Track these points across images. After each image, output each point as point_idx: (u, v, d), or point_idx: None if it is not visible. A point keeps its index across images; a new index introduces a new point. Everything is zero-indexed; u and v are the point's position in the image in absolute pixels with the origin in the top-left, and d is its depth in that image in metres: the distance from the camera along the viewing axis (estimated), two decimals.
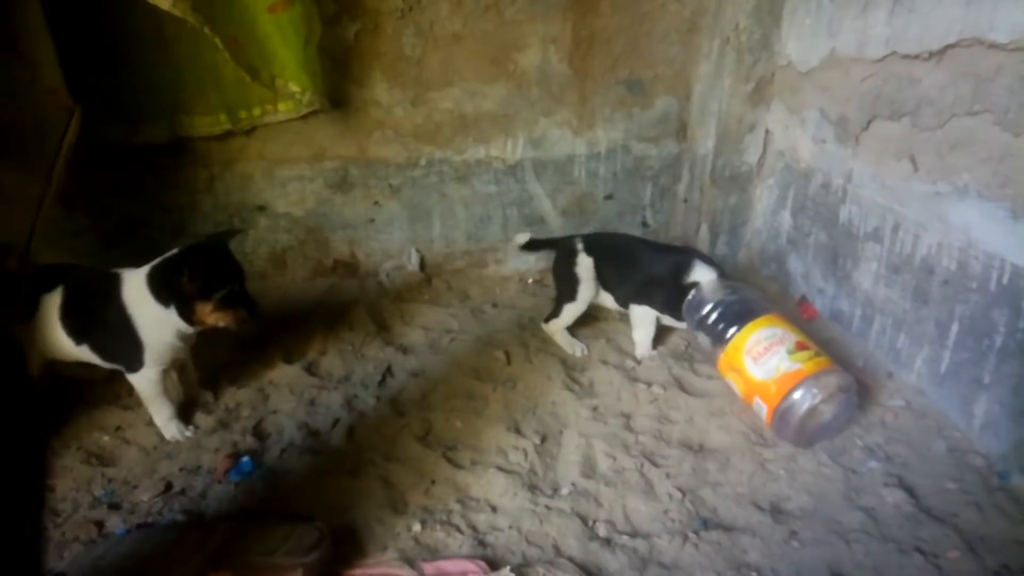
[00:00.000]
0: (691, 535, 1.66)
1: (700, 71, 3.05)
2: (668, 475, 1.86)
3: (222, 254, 1.99)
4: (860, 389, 2.05)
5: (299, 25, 2.44)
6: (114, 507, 1.84)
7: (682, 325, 2.44)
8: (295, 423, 2.14)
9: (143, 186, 2.74)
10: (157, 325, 1.96)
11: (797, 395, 1.94)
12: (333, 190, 2.94)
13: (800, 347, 2.02)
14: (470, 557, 1.60)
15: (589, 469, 1.91)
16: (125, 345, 1.99)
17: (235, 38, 2.34)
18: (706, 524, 1.71)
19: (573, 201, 3.16)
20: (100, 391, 2.28)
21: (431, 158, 3.00)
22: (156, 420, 2.09)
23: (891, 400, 2.16)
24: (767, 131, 2.92)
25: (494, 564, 1.57)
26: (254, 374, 2.40)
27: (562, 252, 2.63)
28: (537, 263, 3.08)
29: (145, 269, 1.96)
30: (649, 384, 2.26)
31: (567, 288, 2.57)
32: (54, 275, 2.05)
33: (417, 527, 1.71)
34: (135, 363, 2.01)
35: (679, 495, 1.79)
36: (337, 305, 2.86)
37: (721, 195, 2.99)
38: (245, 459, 1.95)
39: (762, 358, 2.04)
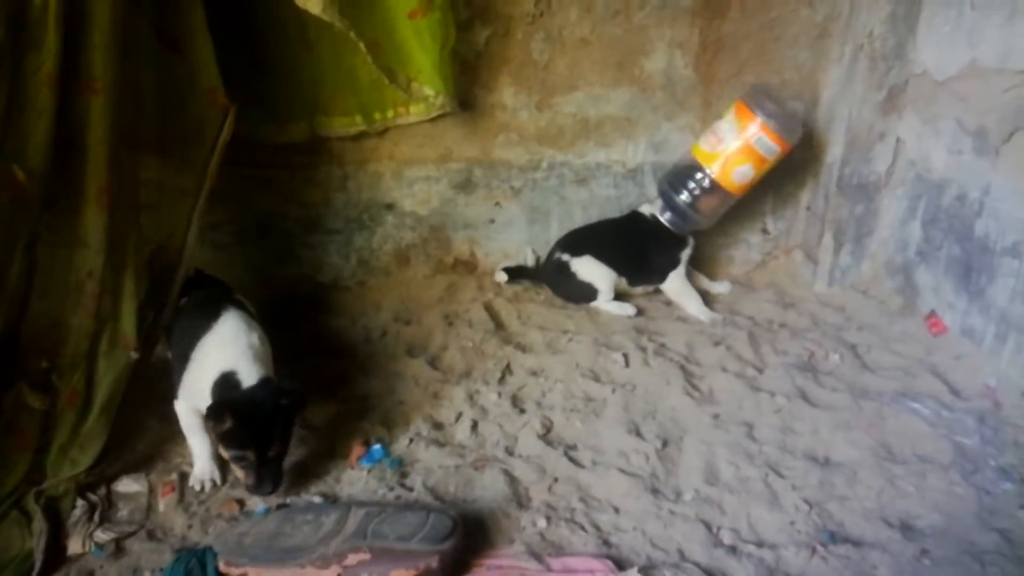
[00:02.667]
0: (819, 548, 1.65)
1: (829, 77, 3.00)
2: (794, 486, 1.85)
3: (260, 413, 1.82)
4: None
5: (436, 30, 2.52)
6: None
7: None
8: (421, 414, 2.22)
9: (280, 182, 2.87)
10: None
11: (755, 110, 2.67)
12: (457, 190, 3.02)
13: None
14: (596, 556, 1.63)
15: (712, 476, 1.92)
16: None
17: (375, 41, 2.44)
18: (834, 537, 1.69)
19: None
20: None
21: (552, 161, 3.04)
22: None
23: None
24: (898, 140, 2.85)
25: (620, 564, 1.61)
26: (380, 365, 2.49)
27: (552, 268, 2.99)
28: None
29: None
30: (772, 394, 2.24)
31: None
32: None
33: (542, 523, 1.76)
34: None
35: (805, 507, 1.78)
36: (456, 302, 2.94)
37: (847, 204, 2.93)
38: (376, 447, 2.04)
39: (718, 134, 2.73)
